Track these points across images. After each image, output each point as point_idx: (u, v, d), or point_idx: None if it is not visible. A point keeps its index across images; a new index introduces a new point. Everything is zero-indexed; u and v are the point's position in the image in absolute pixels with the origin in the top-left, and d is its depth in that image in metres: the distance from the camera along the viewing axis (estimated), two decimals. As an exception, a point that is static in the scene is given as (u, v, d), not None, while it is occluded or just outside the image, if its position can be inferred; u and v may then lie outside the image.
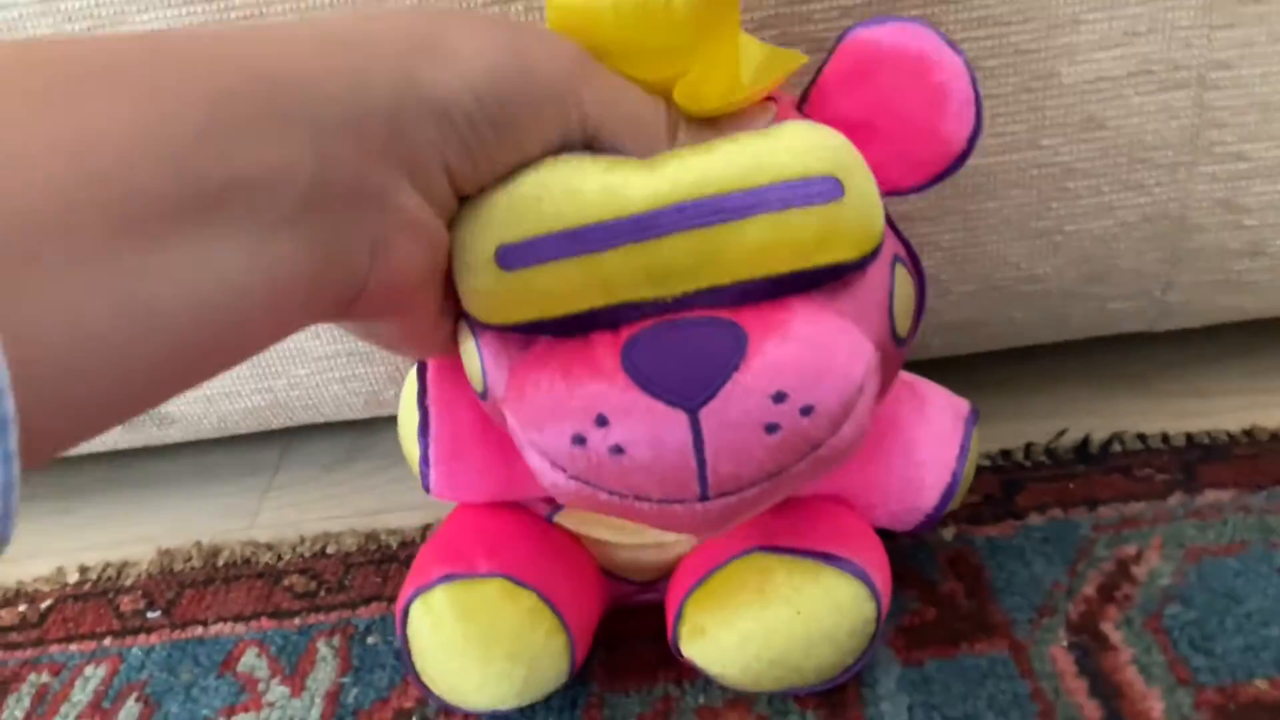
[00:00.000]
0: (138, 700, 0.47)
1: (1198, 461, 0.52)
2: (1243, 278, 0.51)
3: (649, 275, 0.31)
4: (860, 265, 0.32)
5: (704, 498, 0.32)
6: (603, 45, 0.33)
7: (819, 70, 0.36)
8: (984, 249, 0.50)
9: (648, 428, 0.31)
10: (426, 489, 0.43)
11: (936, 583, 0.47)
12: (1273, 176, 0.48)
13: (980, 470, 0.54)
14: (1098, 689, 0.40)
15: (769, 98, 0.36)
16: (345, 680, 0.46)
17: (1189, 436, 0.54)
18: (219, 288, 0.24)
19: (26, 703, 0.48)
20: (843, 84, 0.35)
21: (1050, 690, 0.41)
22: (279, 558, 0.55)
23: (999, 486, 0.52)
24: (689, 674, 0.44)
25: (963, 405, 0.44)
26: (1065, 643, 0.43)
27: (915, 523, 0.43)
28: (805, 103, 0.36)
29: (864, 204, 0.32)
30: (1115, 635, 0.42)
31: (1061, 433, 0.55)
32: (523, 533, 0.43)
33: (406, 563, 0.53)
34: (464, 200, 0.32)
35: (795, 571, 0.39)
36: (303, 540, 0.57)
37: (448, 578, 0.40)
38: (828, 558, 0.39)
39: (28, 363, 0.19)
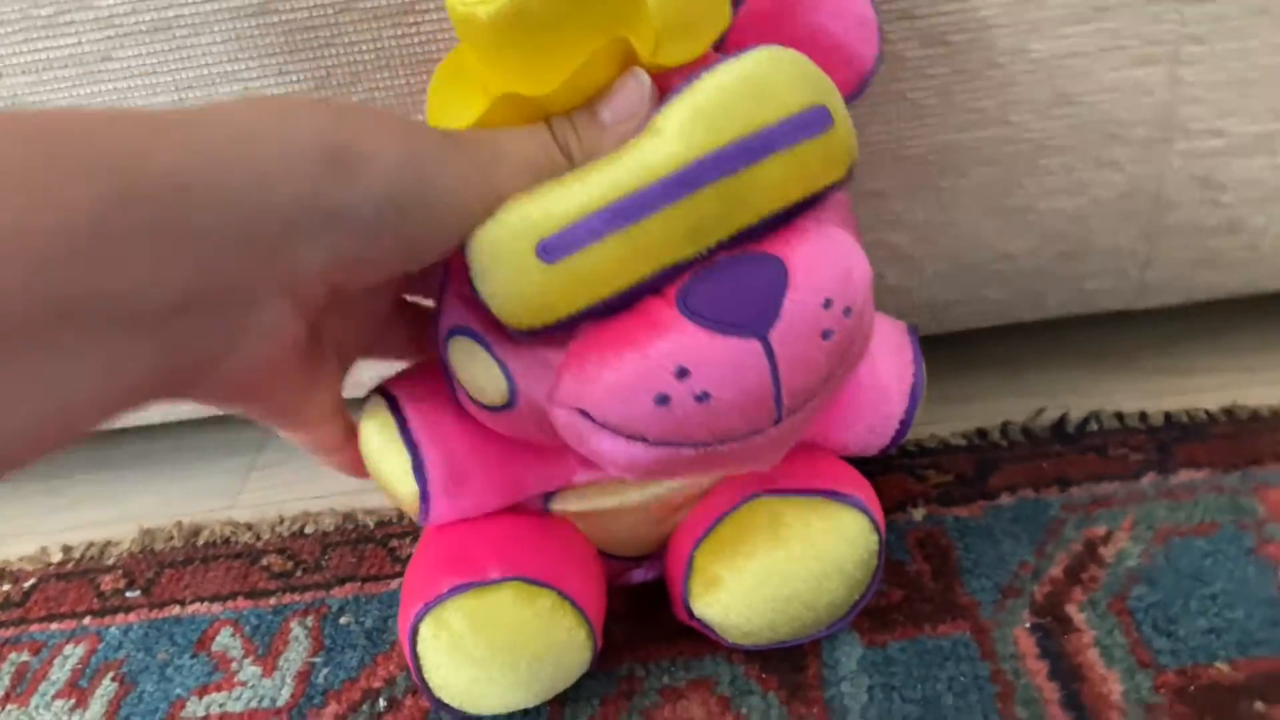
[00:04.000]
0: (113, 679, 0.48)
1: (1175, 441, 0.51)
2: (1221, 255, 0.51)
3: (689, 232, 0.32)
4: (847, 180, 0.34)
5: (778, 419, 0.33)
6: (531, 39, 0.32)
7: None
8: (956, 227, 0.49)
9: (729, 364, 0.31)
10: (424, 524, 0.41)
11: (904, 564, 0.46)
12: (1249, 153, 0.47)
13: (955, 450, 0.53)
14: (1058, 671, 0.40)
15: None
16: (316, 660, 0.47)
17: (1167, 415, 0.53)
18: (61, 403, 0.23)
19: (6, 681, 0.49)
20: (764, 20, 0.37)
21: (1010, 672, 0.41)
22: (258, 537, 0.56)
23: (973, 466, 0.52)
24: (653, 654, 0.44)
25: (899, 321, 0.46)
26: (1028, 624, 0.42)
27: (891, 432, 0.44)
28: (722, 44, 0.36)
29: (846, 125, 0.34)
30: (1079, 617, 0.42)
31: (1039, 412, 0.55)
32: (525, 528, 0.42)
33: (383, 543, 0.54)
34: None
35: (803, 509, 0.41)
36: (281, 520, 0.57)
37: (458, 589, 0.39)
38: (831, 494, 0.41)
39: None
